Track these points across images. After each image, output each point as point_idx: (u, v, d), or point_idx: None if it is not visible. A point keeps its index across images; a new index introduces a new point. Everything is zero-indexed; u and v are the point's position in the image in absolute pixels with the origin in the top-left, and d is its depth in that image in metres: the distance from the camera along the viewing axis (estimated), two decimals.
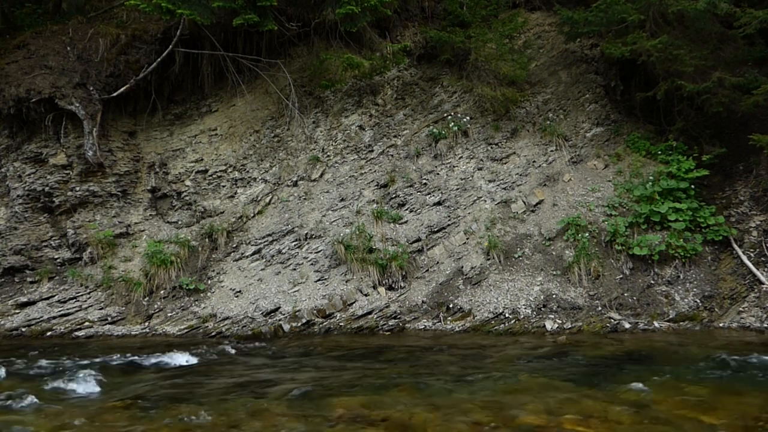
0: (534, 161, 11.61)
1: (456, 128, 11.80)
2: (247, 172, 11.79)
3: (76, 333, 9.94)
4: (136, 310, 10.29)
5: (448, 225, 10.96)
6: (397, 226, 10.97)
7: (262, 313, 9.99)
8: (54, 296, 10.51)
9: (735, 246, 9.88)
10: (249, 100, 12.09)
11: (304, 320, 9.82)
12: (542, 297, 9.74)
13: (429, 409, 5.57)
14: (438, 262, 10.57)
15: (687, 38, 10.46)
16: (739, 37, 10.12)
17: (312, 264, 10.63)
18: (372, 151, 11.87)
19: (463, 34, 11.92)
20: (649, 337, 8.77)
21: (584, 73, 12.53)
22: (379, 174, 11.59)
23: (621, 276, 9.91)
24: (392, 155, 11.82)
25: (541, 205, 11.05)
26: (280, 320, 9.84)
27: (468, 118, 11.98)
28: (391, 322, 9.78)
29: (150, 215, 11.51)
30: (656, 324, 9.15)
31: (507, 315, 9.59)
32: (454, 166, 11.61)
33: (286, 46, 12.10)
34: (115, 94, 10.99)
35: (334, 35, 11.64)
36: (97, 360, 7.77)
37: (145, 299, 10.43)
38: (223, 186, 11.74)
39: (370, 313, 9.92)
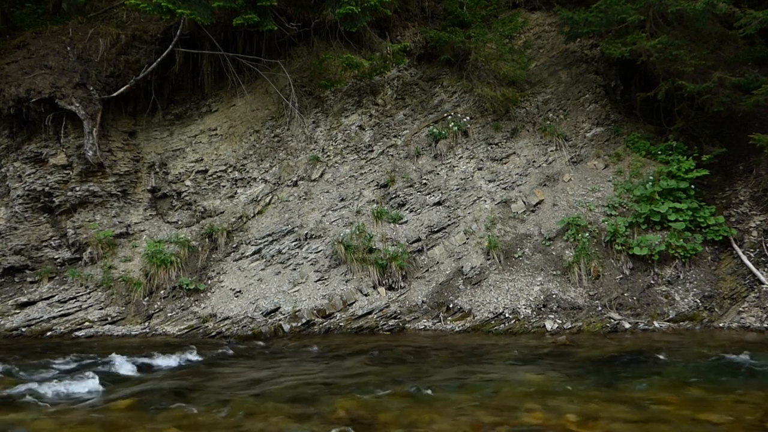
0: (534, 161, 11.61)
1: (456, 128, 11.80)
2: (247, 172, 11.79)
3: (76, 333, 9.94)
4: (136, 310, 10.29)
5: (448, 225, 10.96)
6: (397, 226, 10.97)
7: (262, 313, 9.99)
8: (54, 296, 10.50)
9: (735, 246, 9.88)
10: (249, 100, 12.09)
11: (304, 320, 9.82)
12: (542, 297, 9.74)
13: (429, 409, 5.57)
14: (438, 262, 10.57)
15: (687, 38, 10.46)
16: (740, 37, 10.12)
17: (312, 264, 10.63)
18: (372, 151, 11.87)
19: (463, 34, 11.92)
20: (649, 337, 8.77)
21: (584, 73, 12.53)
22: (379, 174, 11.59)
23: (621, 276, 9.91)
24: (392, 155, 11.82)
25: (541, 205, 11.06)
26: (280, 320, 9.84)
27: (468, 118, 11.98)
28: (391, 322, 9.78)
29: (150, 215, 11.50)
30: (656, 324, 9.16)
31: (507, 315, 9.59)
32: (454, 166, 11.61)
33: (286, 46, 12.10)
34: (115, 94, 10.99)
35: (334, 35, 11.63)
36: (97, 360, 7.76)
37: (145, 299, 10.42)
38: (223, 186, 11.74)
39: (370, 313, 9.93)
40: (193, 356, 8.03)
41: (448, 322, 9.69)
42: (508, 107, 11.97)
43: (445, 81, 12.43)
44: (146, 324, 10.10)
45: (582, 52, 12.66)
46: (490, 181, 11.44)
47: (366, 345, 8.78)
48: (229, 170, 11.79)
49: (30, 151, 10.99)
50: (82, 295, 10.50)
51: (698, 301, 9.50)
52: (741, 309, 9.19)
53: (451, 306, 9.91)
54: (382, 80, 12.21)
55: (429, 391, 6.13)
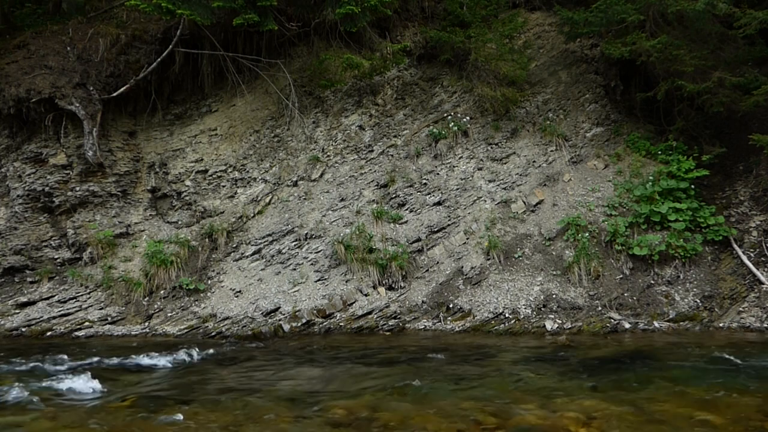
0: (534, 161, 11.61)
1: (456, 128, 11.80)
2: (247, 172, 11.79)
3: (76, 333, 9.94)
4: (136, 310, 10.29)
5: (448, 225, 10.96)
6: (397, 226, 10.97)
7: (262, 313, 9.99)
8: (54, 296, 10.50)
9: (735, 246, 9.88)
10: (249, 100, 12.09)
11: (304, 320, 9.82)
12: (542, 297, 9.74)
13: (429, 409, 5.57)
14: (438, 262, 10.56)
15: (687, 38, 10.46)
16: (739, 37, 10.11)
17: (312, 264, 10.63)
18: (372, 151, 11.87)
19: (463, 34, 11.92)
20: (649, 337, 8.77)
21: (584, 73, 12.53)
22: (379, 174, 11.59)
23: (621, 276, 9.91)
24: (392, 155, 11.82)
25: (541, 205, 11.06)
26: (280, 320, 9.84)
27: (468, 118, 11.98)
28: (391, 322, 9.78)
29: (150, 215, 11.51)
30: (656, 324, 9.16)
31: (507, 315, 9.59)
32: (454, 166, 11.61)
33: (286, 46, 12.10)
34: (115, 94, 10.99)
35: (334, 35, 11.64)
36: (97, 360, 7.77)
37: (145, 299, 10.43)
38: (223, 186, 11.74)
39: (370, 313, 9.93)
40: (193, 356, 8.03)
41: (448, 322, 9.69)
42: (508, 107, 11.97)
43: (445, 81, 12.43)
44: (146, 324, 10.10)
45: (582, 52, 12.66)
46: (490, 181, 11.44)
47: (366, 345, 8.78)
48: (229, 170, 11.79)
49: (30, 151, 10.99)
50: (82, 295, 10.50)
51: (698, 301, 9.50)
52: (741, 309, 9.19)
53: (451, 306, 9.91)
54: (382, 80, 12.21)
55: (429, 391, 6.14)
